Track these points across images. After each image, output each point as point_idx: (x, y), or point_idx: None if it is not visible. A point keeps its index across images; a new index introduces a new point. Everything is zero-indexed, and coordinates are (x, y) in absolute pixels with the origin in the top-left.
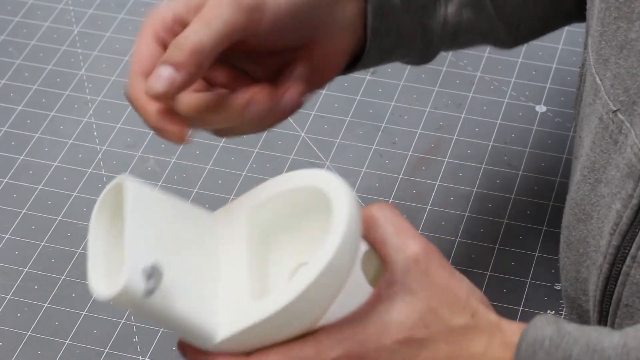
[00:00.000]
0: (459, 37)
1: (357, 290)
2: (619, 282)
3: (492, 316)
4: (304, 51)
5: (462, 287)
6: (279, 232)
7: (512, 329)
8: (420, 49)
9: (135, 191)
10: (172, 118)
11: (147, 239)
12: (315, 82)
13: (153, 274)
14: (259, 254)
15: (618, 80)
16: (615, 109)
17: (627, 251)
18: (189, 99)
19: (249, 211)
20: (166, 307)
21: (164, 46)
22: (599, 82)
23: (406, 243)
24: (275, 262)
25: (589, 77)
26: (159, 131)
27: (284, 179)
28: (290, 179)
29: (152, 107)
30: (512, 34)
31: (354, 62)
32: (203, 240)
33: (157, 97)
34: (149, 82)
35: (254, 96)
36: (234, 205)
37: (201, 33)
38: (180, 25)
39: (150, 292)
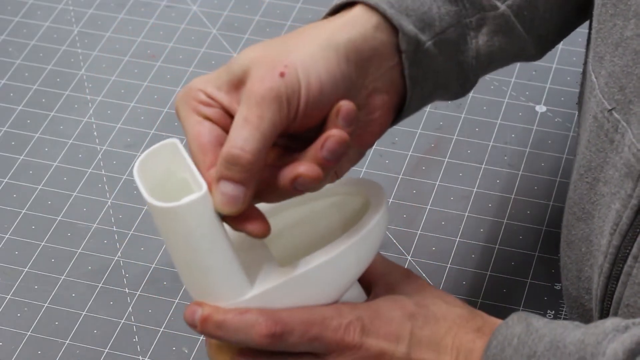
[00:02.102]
0: (492, 64)
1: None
2: (620, 281)
3: (485, 315)
4: None
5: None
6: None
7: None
8: (457, 86)
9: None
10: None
11: None
12: (364, 141)
13: None
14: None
15: (613, 78)
16: (610, 107)
17: (627, 251)
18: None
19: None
20: (219, 234)
21: (210, 120)
22: (594, 79)
23: (394, 265)
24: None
25: (587, 74)
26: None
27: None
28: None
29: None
30: (540, 45)
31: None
32: None
33: (230, 214)
34: (217, 202)
35: (298, 171)
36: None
37: (254, 141)
38: (214, 101)
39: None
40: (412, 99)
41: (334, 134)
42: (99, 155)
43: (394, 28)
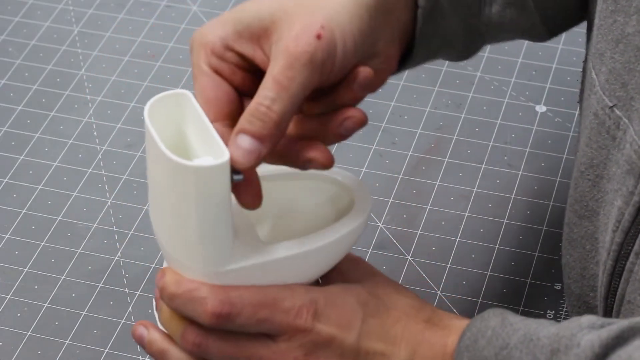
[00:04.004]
0: (500, 35)
1: None
2: (622, 278)
3: (434, 307)
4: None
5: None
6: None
7: (463, 320)
8: (461, 48)
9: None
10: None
11: None
12: (372, 86)
13: (237, 171)
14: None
15: (614, 75)
16: (611, 104)
17: (630, 248)
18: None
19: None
20: (226, 203)
21: (220, 74)
22: (594, 76)
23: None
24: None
25: (587, 72)
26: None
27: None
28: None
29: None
30: (548, 25)
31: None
32: None
33: (241, 168)
34: (231, 150)
35: (348, 115)
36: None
37: (282, 102)
38: (231, 51)
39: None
40: (417, 54)
41: (354, 115)
42: (99, 155)
43: None
